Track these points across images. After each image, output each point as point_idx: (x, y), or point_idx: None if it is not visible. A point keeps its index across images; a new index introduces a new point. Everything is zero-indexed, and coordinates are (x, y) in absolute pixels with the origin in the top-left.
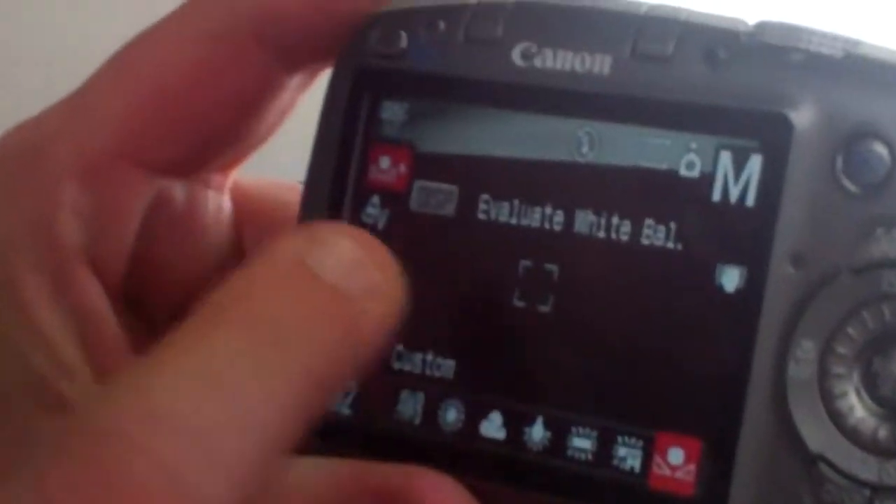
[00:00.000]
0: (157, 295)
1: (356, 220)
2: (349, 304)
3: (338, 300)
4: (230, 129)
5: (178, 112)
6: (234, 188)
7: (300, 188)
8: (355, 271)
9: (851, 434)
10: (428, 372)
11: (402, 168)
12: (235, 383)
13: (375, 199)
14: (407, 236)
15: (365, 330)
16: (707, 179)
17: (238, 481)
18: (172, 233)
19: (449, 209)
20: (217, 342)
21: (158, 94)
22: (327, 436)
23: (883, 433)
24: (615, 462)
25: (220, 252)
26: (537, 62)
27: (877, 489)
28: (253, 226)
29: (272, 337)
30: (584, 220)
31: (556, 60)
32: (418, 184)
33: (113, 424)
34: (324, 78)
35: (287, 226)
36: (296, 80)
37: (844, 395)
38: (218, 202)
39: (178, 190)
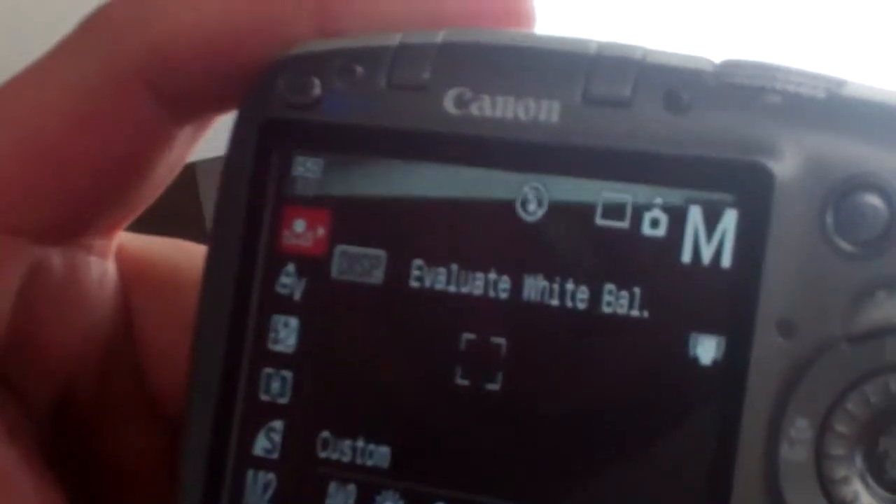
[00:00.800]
0: (36, 376)
1: (270, 291)
2: None
3: None
4: (112, 188)
5: (52, 170)
6: (120, 251)
7: (192, 248)
8: None
9: None
10: (359, 461)
11: (320, 231)
12: None
13: (290, 267)
14: (329, 308)
15: None
16: (675, 238)
17: None
18: (51, 307)
19: (376, 277)
20: None
21: (27, 149)
22: None
23: None
24: None
25: (105, 324)
26: (474, 110)
27: None
28: (141, 292)
29: None
30: (535, 287)
31: (496, 108)
32: (339, 248)
33: None
34: None
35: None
36: (187, 132)
37: (846, 480)
38: (101, 269)
39: (55, 258)
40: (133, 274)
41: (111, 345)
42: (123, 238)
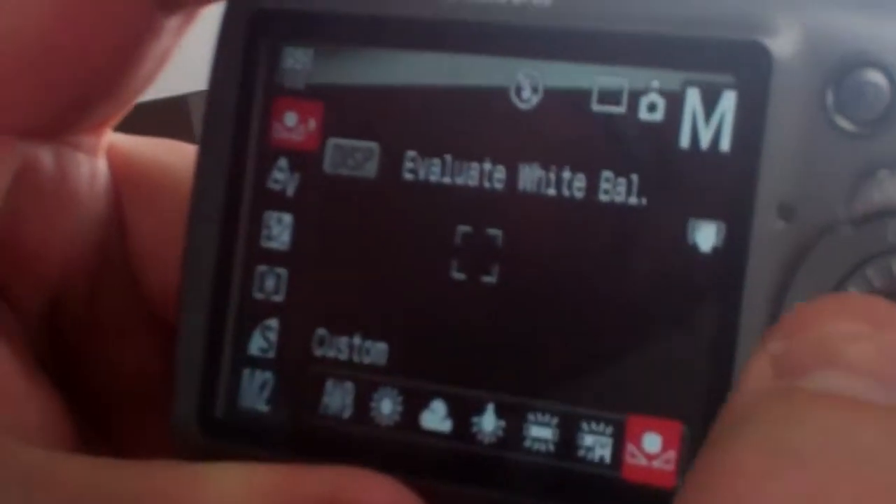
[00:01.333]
0: (29, 281)
1: (262, 187)
2: None
3: None
4: (100, 81)
5: (37, 65)
6: (111, 150)
7: (183, 147)
8: None
9: None
10: (356, 358)
11: (312, 124)
12: None
13: (283, 162)
14: (322, 202)
15: None
16: (673, 122)
17: None
18: (41, 206)
19: (370, 170)
20: None
21: (11, 44)
22: (244, 438)
23: None
24: (581, 452)
25: (96, 224)
26: None
27: None
28: (134, 193)
29: None
30: (530, 177)
31: None
32: (332, 142)
33: None
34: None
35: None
36: (174, 22)
37: None
38: (92, 167)
39: (45, 156)
40: (124, 173)
41: (102, 246)
42: (114, 138)
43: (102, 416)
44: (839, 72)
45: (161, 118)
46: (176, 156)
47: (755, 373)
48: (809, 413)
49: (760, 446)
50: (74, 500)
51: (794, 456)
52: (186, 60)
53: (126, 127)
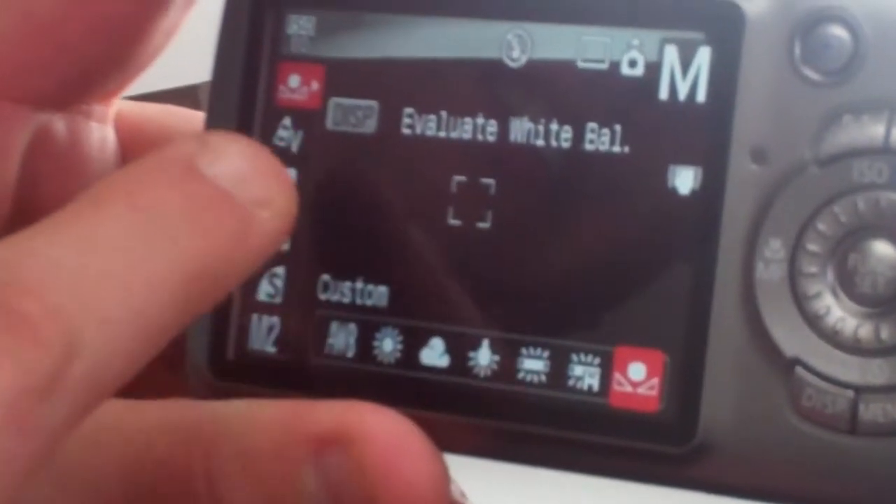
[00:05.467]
0: None
1: (268, 144)
2: (238, 209)
3: (227, 203)
4: (110, 53)
5: (51, 37)
6: (118, 118)
7: (189, 113)
8: (247, 180)
9: (830, 336)
10: (359, 301)
11: (315, 85)
12: (117, 265)
13: (287, 121)
14: (325, 157)
15: (252, 237)
16: (652, 76)
17: (121, 349)
18: (56, 170)
19: (370, 126)
20: (98, 225)
21: (26, 18)
22: (253, 378)
23: (864, 332)
24: (571, 382)
25: None
26: None
27: (860, 390)
28: (140, 155)
29: (157, 226)
30: (521, 129)
31: None
32: (334, 101)
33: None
34: None
35: None
36: None
37: (819, 295)
38: (102, 134)
39: (58, 124)
40: (132, 139)
41: None
42: (121, 106)
43: None
44: (805, 26)
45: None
46: (182, 121)
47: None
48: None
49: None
50: (96, 432)
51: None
52: (197, 50)
53: None
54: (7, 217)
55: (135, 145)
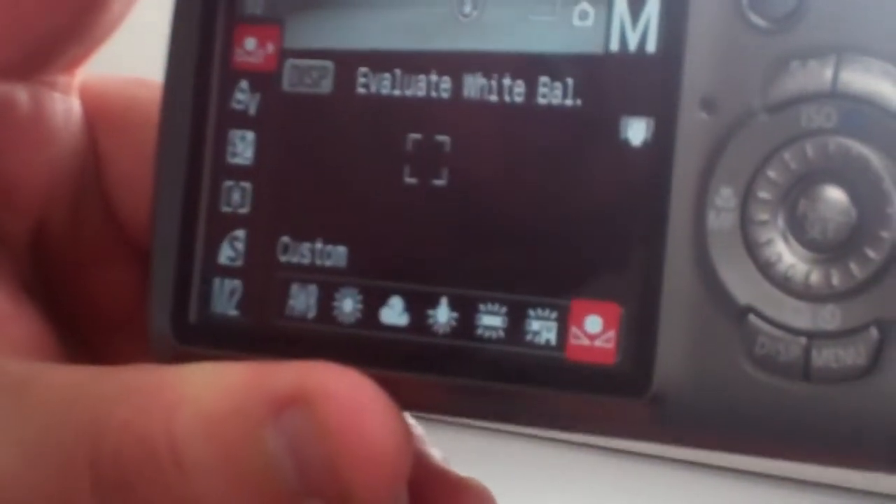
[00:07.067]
0: (10, 211)
1: (225, 107)
2: None
3: None
4: (70, 22)
5: (9, 8)
6: (83, 88)
7: (152, 83)
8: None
9: (781, 282)
10: (318, 262)
11: (270, 47)
12: None
13: (244, 84)
14: (282, 119)
15: None
16: (602, 28)
17: None
18: (20, 141)
19: (325, 87)
20: None
21: None
22: (216, 342)
23: (815, 278)
24: (529, 337)
25: (72, 158)
26: None
27: (812, 336)
28: (107, 127)
29: None
30: (474, 85)
31: None
32: (290, 62)
33: None
34: None
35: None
36: None
37: (770, 242)
38: (66, 105)
39: (20, 94)
40: (97, 109)
41: (80, 178)
42: (85, 77)
43: (84, 339)
44: None
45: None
46: (145, 89)
47: None
48: None
49: None
50: (60, 402)
51: None
52: None
53: None
54: None
55: (101, 114)
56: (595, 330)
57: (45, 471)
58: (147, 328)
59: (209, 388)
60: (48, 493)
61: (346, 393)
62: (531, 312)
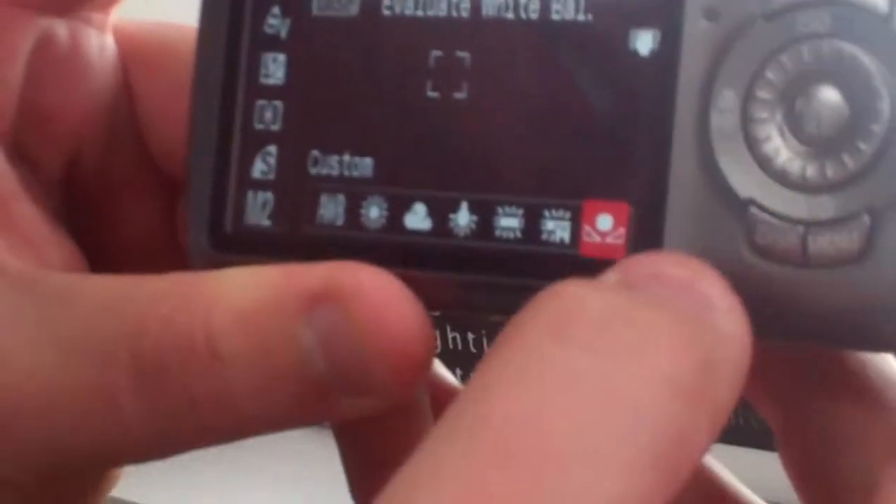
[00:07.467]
0: (47, 142)
1: (259, 32)
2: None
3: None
4: None
5: None
6: (117, 30)
7: (183, 26)
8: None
9: (780, 175)
10: (346, 173)
11: None
12: None
13: (276, 10)
14: (312, 41)
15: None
16: None
17: None
18: (58, 74)
19: (353, 9)
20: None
21: None
22: (250, 250)
23: (810, 171)
24: (544, 236)
25: (106, 92)
26: None
27: (809, 225)
28: (141, 67)
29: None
30: (492, 3)
31: None
32: None
33: None
34: None
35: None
36: None
37: (769, 138)
38: (101, 41)
39: (60, 29)
40: (130, 48)
41: (113, 113)
42: (118, 21)
43: (114, 268)
44: None
45: None
46: (176, 31)
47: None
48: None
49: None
50: (102, 303)
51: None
52: None
53: None
54: (13, 115)
55: (134, 51)
56: (606, 228)
57: (86, 366)
58: (185, 241)
59: (246, 286)
60: (88, 387)
61: (375, 288)
62: (546, 213)
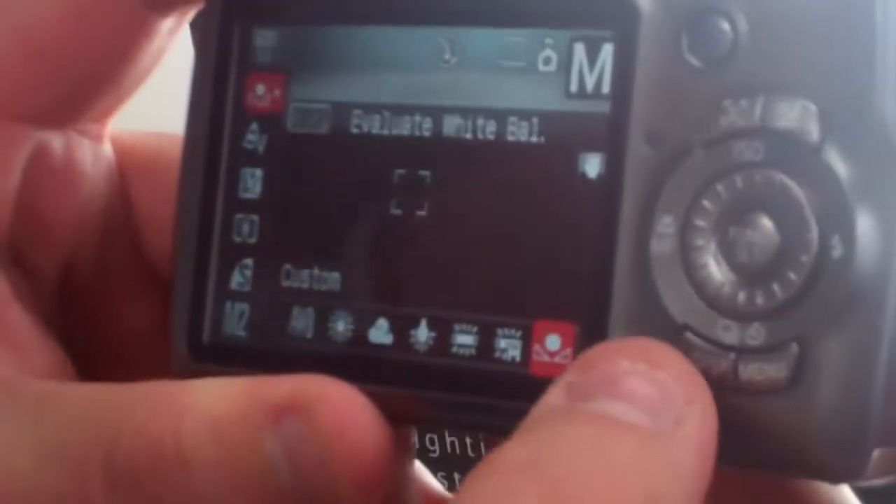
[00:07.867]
0: (42, 249)
1: (238, 148)
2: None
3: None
4: (103, 75)
5: (50, 62)
6: (115, 140)
7: (174, 135)
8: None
9: (713, 302)
10: (316, 286)
11: (277, 92)
12: None
13: (254, 126)
14: (286, 157)
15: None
16: (563, 72)
17: None
18: (53, 184)
19: (324, 127)
20: None
21: (26, 43)
22: (226, 359)
23: (741, 298)
24: (497, 354)
25: (100, 200)
26: None
27: (740, 352)
28: (136, 174)
29: None
30: (452, 124)
31: None
32: (293, 105)
33: None
34: None
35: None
36: (168, 24)
37: (706, 265)
38: (96, 151)
39: (55, 141)
40: (127, 157)
41: (108, 220)
42: (115, 131)
43: (106, 373)
44: (691, 18)
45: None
46: (169, 140)
47: (551, 396)
48: (579, 425)
49: (528, 444)
50: (78, 410)
51: (552, 454)
52: None
53: None
54: (8, 223)
55: (130, 161)
56: (555, 347)
57: (60, 471)
58: (170, 350)
59: (215, 397)
60: (61, 492)
61: (339, 401)
62: (499, 332)
